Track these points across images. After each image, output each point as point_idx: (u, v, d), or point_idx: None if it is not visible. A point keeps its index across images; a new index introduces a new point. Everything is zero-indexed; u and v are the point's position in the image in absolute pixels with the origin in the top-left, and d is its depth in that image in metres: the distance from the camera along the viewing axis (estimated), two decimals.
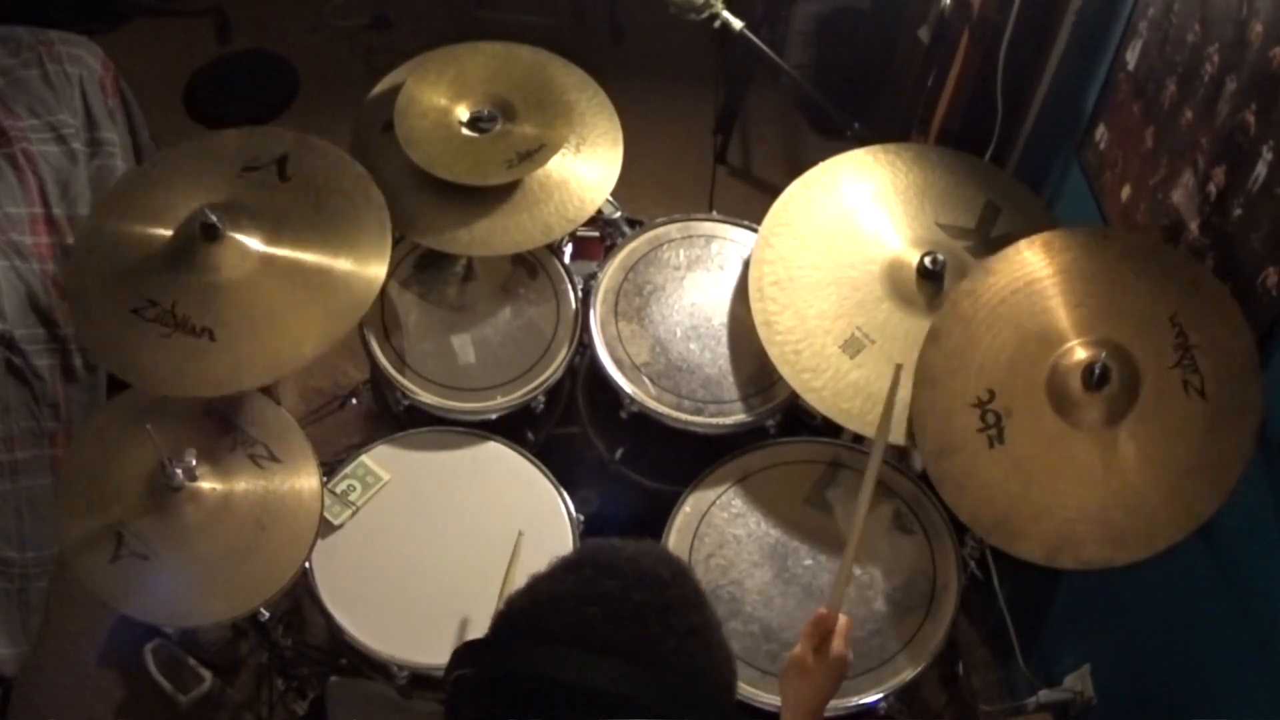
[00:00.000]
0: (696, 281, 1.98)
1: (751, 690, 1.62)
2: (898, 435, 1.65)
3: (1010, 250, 1.62)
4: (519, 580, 0.96)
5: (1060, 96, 2.10)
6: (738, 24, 2.10)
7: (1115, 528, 1.45)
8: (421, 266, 2.00)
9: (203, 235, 1.63)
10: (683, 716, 0.89)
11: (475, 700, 0.93)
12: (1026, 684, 2.03)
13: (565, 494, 1.82)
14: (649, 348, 1.90)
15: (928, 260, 1.73)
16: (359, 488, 1.81)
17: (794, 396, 1.77)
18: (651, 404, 1.84)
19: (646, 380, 1.87)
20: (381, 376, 1.92)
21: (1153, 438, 1.45)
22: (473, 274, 2.00)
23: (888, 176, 1.86)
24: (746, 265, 1.89)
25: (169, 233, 1.68)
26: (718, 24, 2.10)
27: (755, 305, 1.77)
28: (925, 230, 1.82)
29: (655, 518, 1.79)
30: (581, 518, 1.81)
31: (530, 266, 2.02)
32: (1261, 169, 1.43)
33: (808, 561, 1.74)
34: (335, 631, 1.69)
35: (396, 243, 1.78)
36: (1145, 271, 1.53)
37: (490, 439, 1.88)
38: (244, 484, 1.64)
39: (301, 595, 2.05)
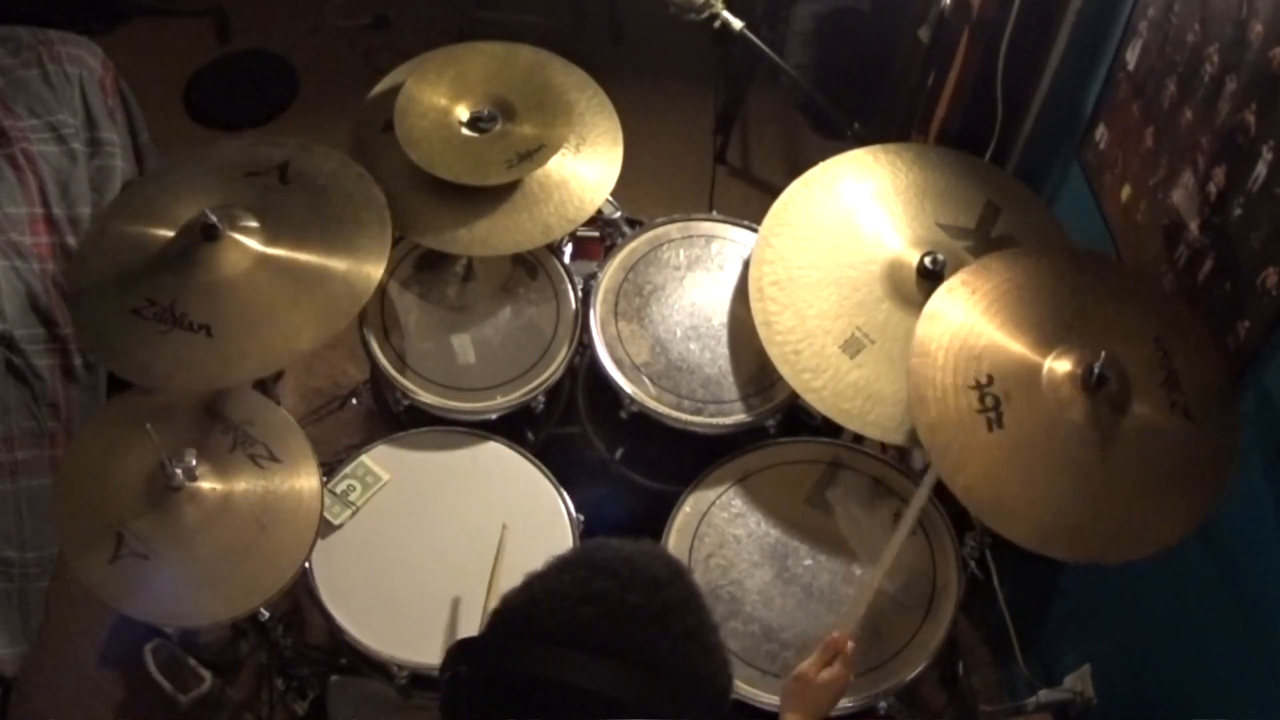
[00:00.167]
0: (696, 281, 1.98)
1: (751, 690, 1.62)
2: (899, 436, 1.65)
3: (1009, 252, 1.63)
4: (508, 575, 0.96)
5: (1060, 96, 2.10)
6: (738, 24, 2.10)
7: (1107, 526, 1.45)
8: (421, 266, 2.00)
9: (203, 235, 1.64)
10: (677, 718, 0.88)
11: (470, 699, 0.93)
12: (1026, 684, 2.03)
13: (565, 494, 1.82)
14: (649, 348, 1.90)
15: (928, 260, 1.73)
16: (359, 488, 1.81)
17: (794, 396, 1.77)
18: (651, 404, 1.84)
19: (646, 380, 1.87)
20: (381, 376, 1.92)
21: (1144, 445, 1.47)
22: (473, 274, 2.00)
23: (888, 176, 1.86)
24: (746, 265, 1.89)
25: (170, 233, 1.68)
26: (718, 24, 2.10)
27: (755, 305, 1.77)
28: (925, 230, 1.82)
29: (655, 518, 1.78)
30: (581, 518, 1.81)
31: (530, 266, 2.02)
32: (1261, 169, 1.43)
33: (808, 561, 1.74)
34: (335, 631, 1.69)
35: (396, 243, 1.79)
36: (1131, 295, 1.58)
37: (490, 439, 1.88)
38: (244, 484, 1.64)
39: (301, 595, 2.05)
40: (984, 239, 1.81)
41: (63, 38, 2.48)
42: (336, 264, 1.69)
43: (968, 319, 1.56)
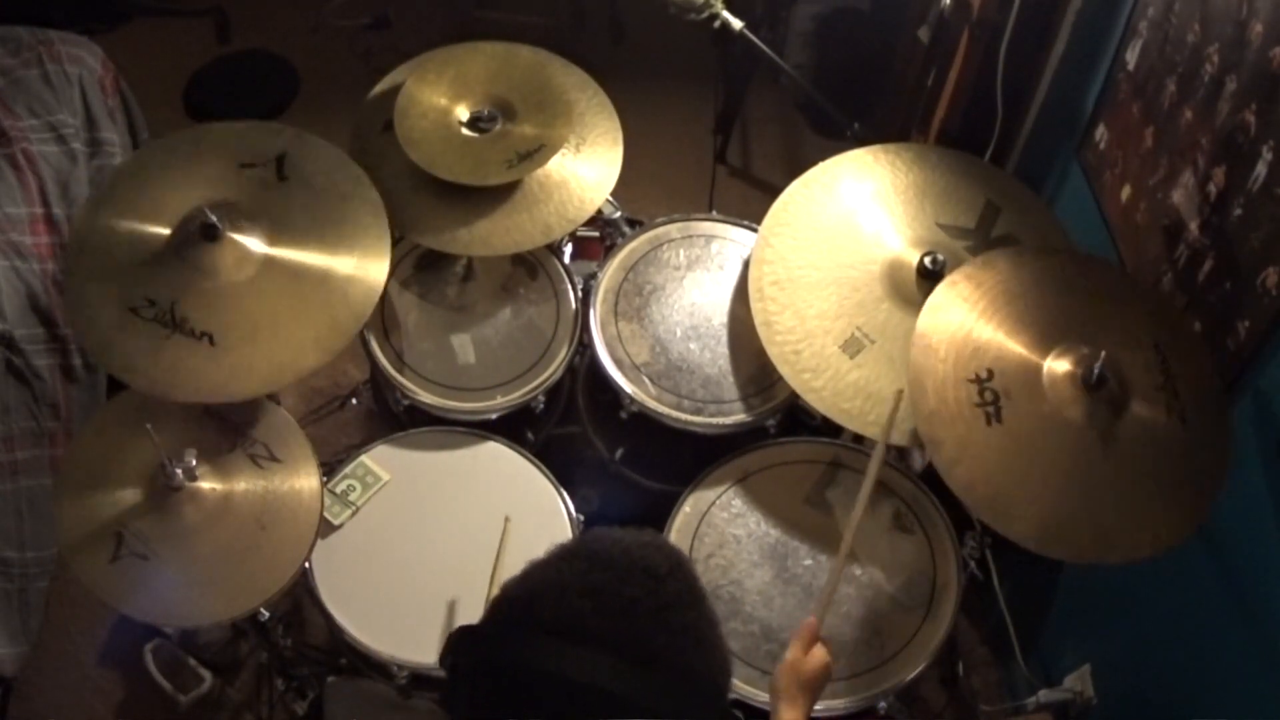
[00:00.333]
0: (696, 281, 1.98)
1: (751, 690, 1.62)
2: (899, 436, 1.65)
3: (1014, 250, 1.63)
4: (509, 572, 0.96)
5: (1060, 96, 2.10)
6: (738, 24, 2.10)
7: (1106, 526, 1.45)
8: (421, 266, 2.00)
9: (202, 235, 1.63)
10: (672, 715, 0.88)
11: (469, 687, 0.93)
12: (1026, 684, 2.03)
13: (565, 494, 1.82)
14: (649, 348, 1.90)
15: (928, 260, 1.73)
16: (359, 488, 1.81)
17: (794, 396, 1.77)
18: (651, 404, 1.84)
19: (646, 380, 1.87)
20: (381, 376, 1.92)
21: (1142, 447, 1.47)
22: (473, 274, 2.00)
23: (888, 176, 1.86)
24: (746, 265, 1.89)
25: (167, 229, 1.66)
26: (718, 24, 2.10)
27: (755, 305, 1.77)
28: (925, 230, 1.82)
29: (655, 518, 1.78)
30: (581, 517, 1.81)
31: (530, 266, 2.02)
32: (1261, 169, 1.43)
33: (808, 561, 1.74)
34: (335, 631, 1.69)
35: (396, 243, 1.78)
36: (1132, 299, 1.59)
37: (490, 439, 1.88)
38: (244, 484, 1.64)
39: (301, 595, 2.05)
40: (984, 239, 1.81)
41: (63, 38, 2.48)
42: (339, 274, 1.68)
43: (970, 313, 1.56)
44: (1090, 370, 1.46)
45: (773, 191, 1.89)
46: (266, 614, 1.76)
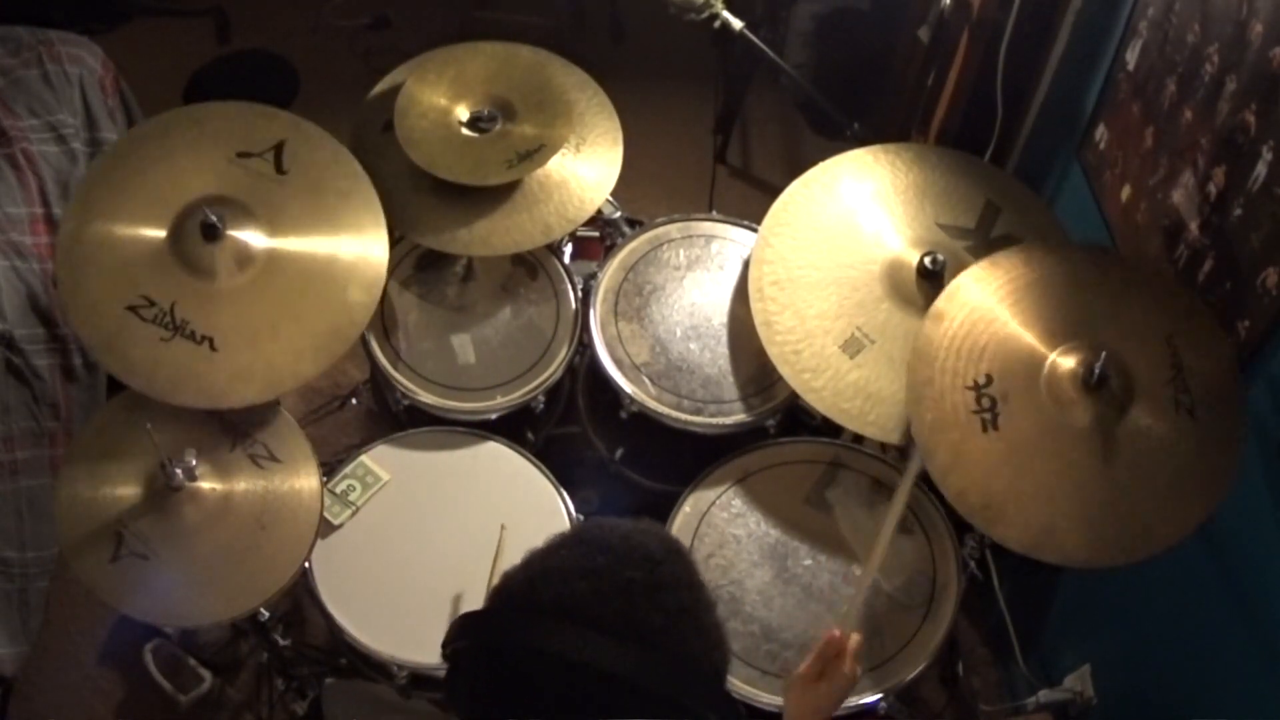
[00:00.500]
0: (696, 281, 1.98)
1: (751, 690, 1.62)
2: (899, 436, 1.65)
3: (1018, 249, 1.62)
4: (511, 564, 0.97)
5: (1060, 96, 2.10)
6: (738, 24, 2.10)
7: (1100, 529, 1.45)
8: (421, 266, 2.00)
9: (203, 235, 1.62)
10: (670, 695, 0.89)
11: (470, 671, 0.94)
12: (1026, 684, 2.03)
13: (565, 494, 1.82)
14: (649, 348, 1.90)
15: (928, 260, 1.73)
16: (359, 488, 1.81)
17: (794, 396, 1.77)
18: (651, 404, 1.84)
19: (646, 380, 1.87)
20: (381, 376, 1.92)
21: (1143, 448, 1.46)
22: (473, 274, 2.00)
23: (888, 176, 1.86)
24: (746, 265, 1.89)
25: (164, 224, 1.64)
26: (718, 24, 2.10)
27: (755, 305, 1.77)
28: (925, 230, 1.82)
29: (655, 518, 1.77)
30: (581, 518, 1.81)
31: (530, 266, 2.02)
32: (1261, 169, 1.43)
33: (807, 561, 1.74)
34: (335, 631, 1.69)
35: (396, 243, 1.78)
36: (1144, 291, 1.56)
37: (490, 439, 1.88)
38: (244, 484, 1.64)
39: (301, 595, 2.05)
40: (984, 239, 1.81)
41: (63, 38, 2.48)
42: (339, 276, 1.68)
43: (972, 314, 1.56)
44: (1090, 370, 1.46)
45: (773, 191, 1.89)
46: (266, 614, 1.76)
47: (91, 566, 1.56)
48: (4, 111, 2.30)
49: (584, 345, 1.96)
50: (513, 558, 0.98)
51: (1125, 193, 1.80)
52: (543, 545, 0.97)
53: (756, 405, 1.85)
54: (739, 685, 1.62)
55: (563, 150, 1.90)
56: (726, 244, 2.03)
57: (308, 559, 1.65)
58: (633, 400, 1.84)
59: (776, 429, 1.88)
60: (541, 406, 1.94)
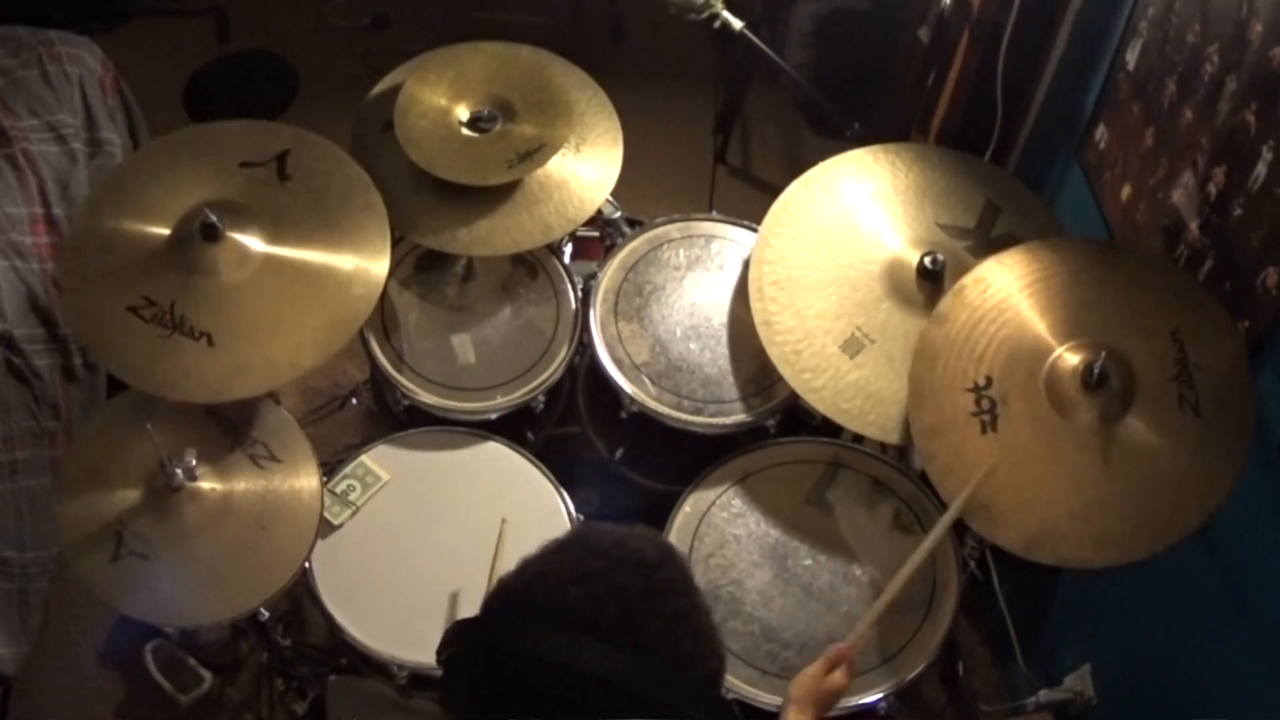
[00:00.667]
0: (696, 281, 1.98)
1: (751, 690, 1.62)
2: (899, 436, 1.65)
3: (1023, 248, 1.62)
4: (508, 567, 0.97)
5: (1060, 96, 2.10)
6: (738, 24, 2.10)
7: (1096, 530, 1.45)
8: (421, 266, 2.00)
9: (202, 235, 1.63)
10: (665, 700, 0.89)
11: (466, 677, 0.94)
12: (1026, 684, 2.03)
13: (565, 494, 1.82)
14: (649, 348, 1.90)
15: (928, 260, 1.73)
16: (359, 488, 1.81)
17: (794, 396, 1.77)
18: (651, 404, 1.84)
19: (646, 380, 1.87)
20: (381, 376, 1.92)
21: (1144, 447, 1.46)
22: (473, 274, 2.00)
23: (888, 176, 1.86)
24: (746, 265, 1.89)
25: (166, 229, 1.66)
26: (718, 24, 2.10)
27: (755, 305, 1.77)
28: (925, 230, 1.82)
29: (655, 518, 1.78)
30: (581, 518, 1.81)
31: (530, 266, 2.02)
32: (1261, 169, 1.43)
33: (807, 561, 1.74)
34: (335, 631, 1.69)
35: (396, 243, 1.78)
36: (1150, 285, 1.55)
37: (490, 439, 1.88)
38: (244, 484, 1.64)
39: (301, 595, 2.04)
40: (984, 239, 1.81)
41: (63, 38, 2.48)
42: (339, 275, 1.68)
43: (975, 314, 1.56)
44: (1091, 370, 1.45)
45: (773, 191, 1.89)
46: (266, 614, 1.76)
47: (91, 566, 1.56)
48: (4, 111, 2.30)
49: (584, 345, 1.96)
50: (513, 553, 0.98)
51: (1125, 193, 1.80)
52: (537, 551, 0.96)
53: (756, 405, 1.85)
54: (739, 685, 1.62)
55: (563, 150, 1.90)
56: (726, 244, 2.03)
57: (308, 559, 1.65)
58: (633, 400, 1.84)
59: (776, 429, 1.88)
60: (541, 406, 1.94)
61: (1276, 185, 1.41)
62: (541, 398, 1.91)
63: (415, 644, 1.65)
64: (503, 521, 1.73)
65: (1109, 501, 1.45)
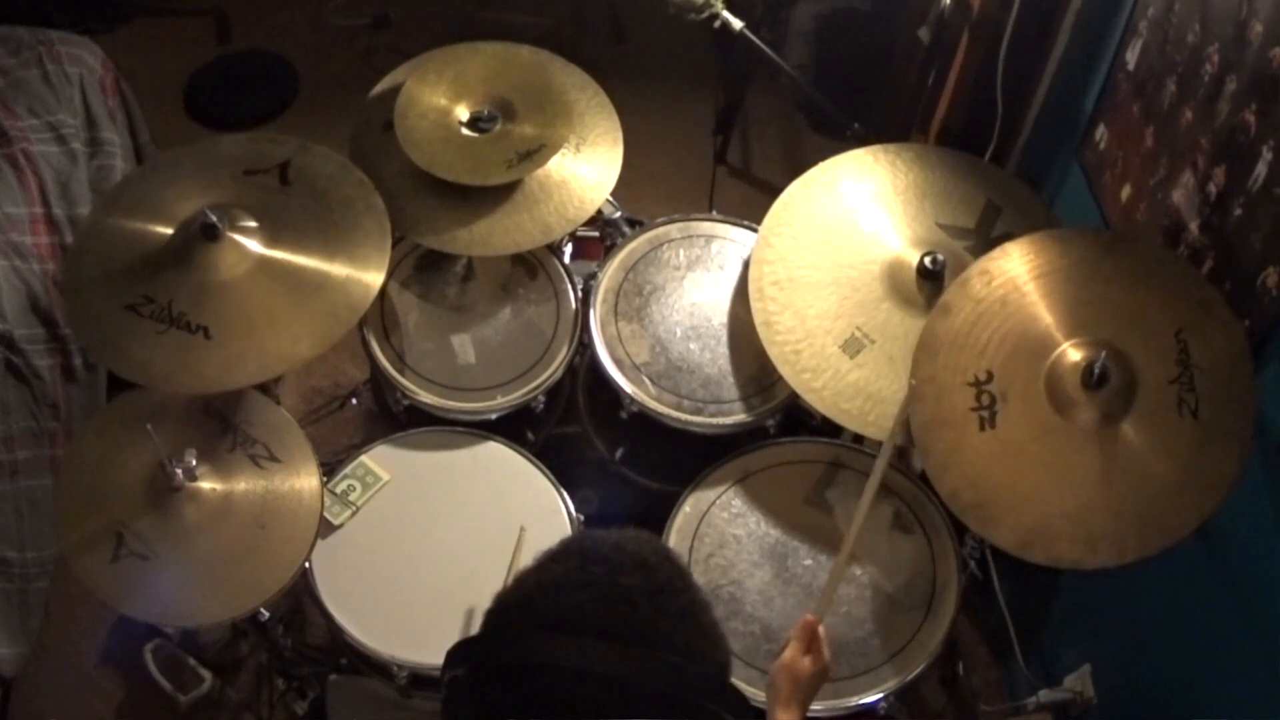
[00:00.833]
0: (696, 281, 1.98)
1: (751, 690, 1.61)
2: (899, 436, 1.65)
3: (1028, 239, 1.60)
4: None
5: (1060, 96, 2.10)
6: (738, 24, 2.10)
7: (1091, 530, 1.45)
8: (421, 266, 2.00)
9: (202, 235, 1.63)
10: (682, 696, 0.89)
11: (472, 696, 0.93)
12: (1026, 684, 2.03)
13: (565, 494, 1.82)
14: (649, 348, 1.90)
15: (928, 260, 1.73)
16: (359, 488, 1.81)
17: (794, 396, 1.77)
18: (651, 404, 1.84)
19: (646, 380, 1.87)
20: (381, 376, 1.92)
21: (1141, 448, 1.45)
22: (473, 274, 2.00)
23: (888, 176, 1.86)
24: (746, 265, 1.89)
25: (168, 232, 1.68)
26: (718, 24, 2.10)
27: (755, 305, 1.77)
28: (925, 230, 1.82)
29: (655, 518, 1.78)
30: (581, 517, 1.81)
31: (530, 266, 2.02)
32: (1261, 169, 1.43)
33: (808, 561, 1.74)
34: (335, 631, 1.69)
35: (396, 243, 1.79)
36: (1155, 283, 1.53)
37: (490, 439, 1.88)
38: (244, 484, 1.64)
39: (301, 595, 2.05)
40: (984, 239, 1.81)
41: (63, 38, 2.49)
42: (337, 270, 1.68)
43: (979, 306, 1.55)
44: (1091, 369, 1.45)
45: (773, 191, 1.89)
46: (266, 614, 1.76)
47: (91, 566, 1.56)
48: (4, 112, 2.31)
49: (584, 345, 1.96)
50: (522, 558, 0.97)
51: (1125, 193, 1.80)
52: (533, 563, 0.96)
53: (756, 405, 1.85)
54: (739, 685, 1.61)
55: (563, 150, 1.90)
56: (726, 244, 2.03)
57: (308, 559, 1.65)
58: (633, 400, 1.84)
59: (776, 429, 1.88)
60: (541, 406, 1.94)
61: (1276, 185, 1.41)
62: (541, 398, 1.91)
63: (415, 644, 1.65)
64: (521, 530, 1.73)
65: (1103, 503, 1.45)
